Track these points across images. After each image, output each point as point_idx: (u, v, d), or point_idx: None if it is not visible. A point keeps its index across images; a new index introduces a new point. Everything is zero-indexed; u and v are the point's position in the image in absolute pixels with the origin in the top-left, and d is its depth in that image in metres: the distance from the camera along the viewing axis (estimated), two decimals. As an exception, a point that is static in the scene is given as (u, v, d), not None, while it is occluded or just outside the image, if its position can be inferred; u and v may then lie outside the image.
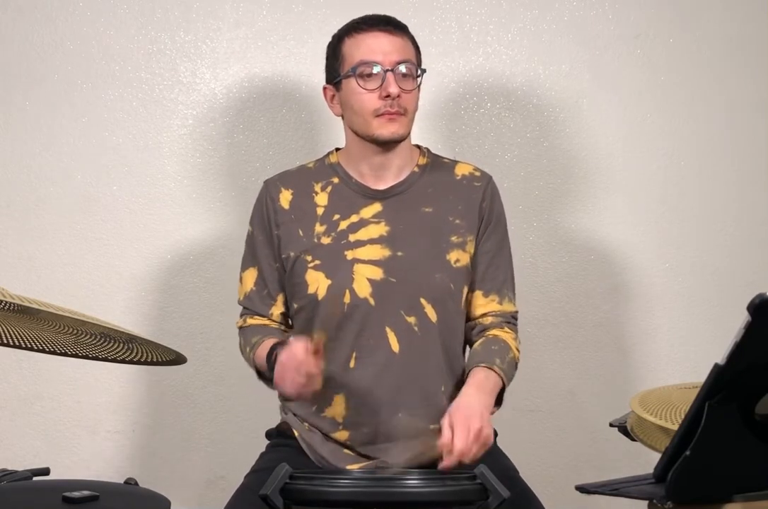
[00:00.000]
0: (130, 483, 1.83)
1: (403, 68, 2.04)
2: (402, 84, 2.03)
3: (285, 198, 2.14)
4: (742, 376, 1.35)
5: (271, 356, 1.99)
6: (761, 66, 2.86)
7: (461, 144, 2.79)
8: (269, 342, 2.06)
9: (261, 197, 2.17)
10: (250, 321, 2.18)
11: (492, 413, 2.05)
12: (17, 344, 1.59)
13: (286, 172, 2.21)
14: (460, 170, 2.18)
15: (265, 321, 2.17)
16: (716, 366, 1.34)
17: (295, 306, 2.12)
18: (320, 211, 2.12)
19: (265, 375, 2.07)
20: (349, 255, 2.07)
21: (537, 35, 2.80)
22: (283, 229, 2.12)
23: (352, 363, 2.06)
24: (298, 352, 1.87)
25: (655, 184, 2.84)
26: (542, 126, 2.80)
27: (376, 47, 2.04)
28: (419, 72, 2.08)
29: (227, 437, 2.74)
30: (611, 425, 2.02)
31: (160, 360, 1.69)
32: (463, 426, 1.85)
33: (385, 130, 2.05)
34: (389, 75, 2.02)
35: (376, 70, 2.02)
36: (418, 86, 2.09)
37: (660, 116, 2.84)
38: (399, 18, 2.12)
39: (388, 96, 2.02)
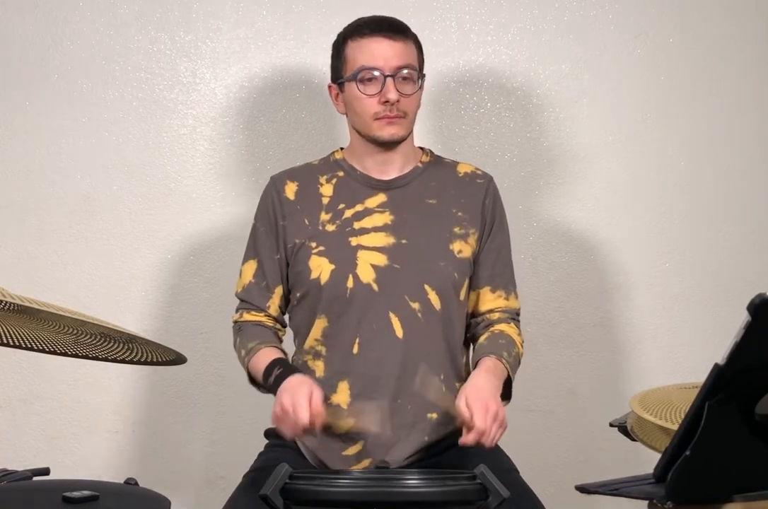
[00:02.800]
0: (130, 483, 1.83)
1: (403, 73, 2.07)
2: (402, 88, 2.07)
3: (290, 189, 2.17)
4: (742, 376, 1.35)
5: (269, 376, 2.02)
6: (760, 66, 2.86)
7: (461, 144, 2.79)
8: (266, 355, 2.07)
9: (267, 191, 2.20)
10: (246, 316, 2.18)
11: None
12: (17, 344, 1.59)
13: (291, 168, 2.25)
14: (462, 169, 2.23)
15: (261, 317, 2.17)
16: (716, 366, 1.34)
17: (297, 295, 2.13)
18: (325, 200, 2.15)
19: (260, 385, 2.10)
20: (354, 241, 2.10)
21: (537, 35, 2.80)
22: (289, 219, 2.14)
23: (355, 349, 2.07)
24: (299, 404, 1.88)
25: (655, 184, 2.84)
26: (542, 126, 2.80)
27: (377, 53, 2.07)
28: (420, 75, 2.11)
29: (227, 437, 2.74)
30: (611, 425, 2.02)
31: (160, 360, 1.69)
32: (481, 406, 1.89)
33: (385, 132, 2.09)
34: (389, 81, 2.06)
35: (376, 75, 2.06)
36: (420, 88, 2.12)
37: (660, 116, 2.84)
38: (399, 18, 2.14)
39: (387, 101, 2.05)
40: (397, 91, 2.06)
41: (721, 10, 2.85)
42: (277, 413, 1.93)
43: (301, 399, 1.89)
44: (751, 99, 2.86)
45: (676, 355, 2.83)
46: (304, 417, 1.88)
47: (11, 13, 2.71)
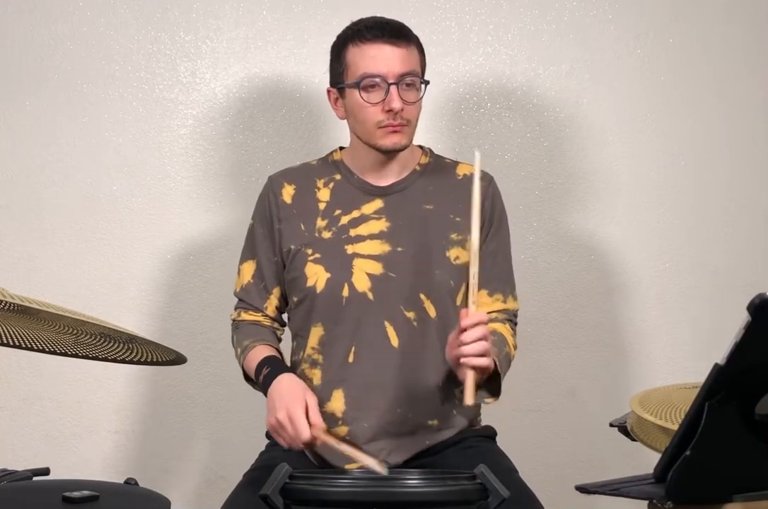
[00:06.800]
0: (130, 483, 1.82)
1: (406, 81, 2.03)
2: (405, 96, 2.03)
3: (288, 193, 2.15)
4: (742, 376, 1.35)
5: (259, 375, 2.02)
6: (761, 66, 2.86)
7: (461, 144, 2.79)
8: (258, 353, 2.08)
9: (264, 192, 2.19)
10: (244, 315, 2.19)
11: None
12: (17, 344, 1.59)
13: (289, 169, 2.23)
14: (462, 170, 2.19)
15: (258, 316, 2.18)
16: (716, 366, 1.34)
17: (295, 299, 2.13)
18: (322, 206, 2.13)
19: (254, 383, 2.10)
20: (349, 249, 2.09)
21: (537, 35, 2.80)
22: (285, 223, 2.13)
23: (351, 358, 2.06)
24: (297, 417, 1.89)
25: (655, 184, 2.84)
26: (542, 126, 2.80)
27: (380, 60, 2.02)
28: (423, 80, 2.07)
29: (227, 437, 2.75)
30: (611, 425, 2.02)
31: (160, 360, 1.69)
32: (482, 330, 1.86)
33: (388, 140, 2.05)
34: (393, 89, 2.01)
35: (378, 82, 2.01)
36: (423, 94, 2.09)
37: (660, 116, 2.84)
38: (399, 18, 2.11)
39: (390, 110, 2.02)
40: (401, 99, 2.02)
41: (721, 10, 2.85)
42: (273, 425, 1.93)
43: (297, 411, 1.89)
44: (751, 98, 2.86)
45: (676, 355, 2.83)
46: (304, 432, 1.88)
47: (11, 14, 2.71)
